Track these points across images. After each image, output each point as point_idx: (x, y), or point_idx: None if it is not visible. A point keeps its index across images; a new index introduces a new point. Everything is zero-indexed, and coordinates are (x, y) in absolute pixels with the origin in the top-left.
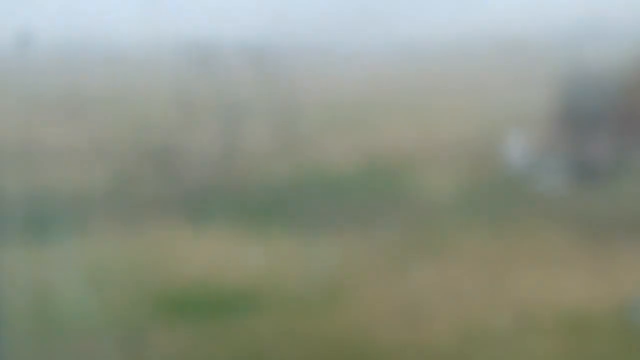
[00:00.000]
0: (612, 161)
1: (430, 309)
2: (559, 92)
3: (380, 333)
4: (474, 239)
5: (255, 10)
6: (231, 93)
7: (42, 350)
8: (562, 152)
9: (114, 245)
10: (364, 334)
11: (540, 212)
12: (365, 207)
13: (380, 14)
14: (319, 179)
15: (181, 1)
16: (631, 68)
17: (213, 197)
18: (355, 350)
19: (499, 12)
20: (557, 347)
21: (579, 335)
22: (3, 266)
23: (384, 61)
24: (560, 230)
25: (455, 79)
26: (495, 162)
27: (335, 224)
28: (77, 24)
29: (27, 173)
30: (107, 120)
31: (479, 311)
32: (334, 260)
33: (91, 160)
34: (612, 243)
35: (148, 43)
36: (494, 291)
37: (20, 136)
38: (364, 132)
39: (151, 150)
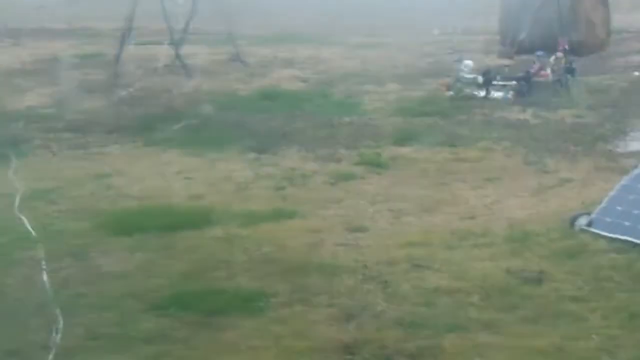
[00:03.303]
0: (557, 75)
1: (378, 221)
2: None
3: (324, 243)
4: (421, 152)
5: None
6: (184, 15)
7: None
8: (507, 66)
9: (69, 165)
10: (309, 243)
11: (488, 127)
12: (315, 123)
13: None
14: (266, 102)
15: None
16: None
17: (167, 120)
18: (297, 256)
19: None
20: (502, 252)
21: (524, 243)
22: None
23: None
24: (509, 145)
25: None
26: (441, 77)
27: (284, 141)
28: None
29: None
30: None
31: (420, 223)
32: (283, 175)
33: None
34: (557, 159)
35: None
36: (440, 203)
37: None
38: (314, 61)
39: (103, 74)
